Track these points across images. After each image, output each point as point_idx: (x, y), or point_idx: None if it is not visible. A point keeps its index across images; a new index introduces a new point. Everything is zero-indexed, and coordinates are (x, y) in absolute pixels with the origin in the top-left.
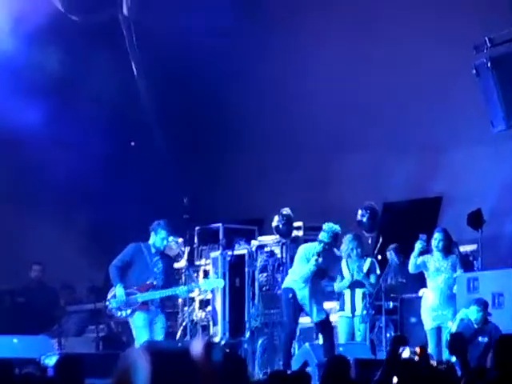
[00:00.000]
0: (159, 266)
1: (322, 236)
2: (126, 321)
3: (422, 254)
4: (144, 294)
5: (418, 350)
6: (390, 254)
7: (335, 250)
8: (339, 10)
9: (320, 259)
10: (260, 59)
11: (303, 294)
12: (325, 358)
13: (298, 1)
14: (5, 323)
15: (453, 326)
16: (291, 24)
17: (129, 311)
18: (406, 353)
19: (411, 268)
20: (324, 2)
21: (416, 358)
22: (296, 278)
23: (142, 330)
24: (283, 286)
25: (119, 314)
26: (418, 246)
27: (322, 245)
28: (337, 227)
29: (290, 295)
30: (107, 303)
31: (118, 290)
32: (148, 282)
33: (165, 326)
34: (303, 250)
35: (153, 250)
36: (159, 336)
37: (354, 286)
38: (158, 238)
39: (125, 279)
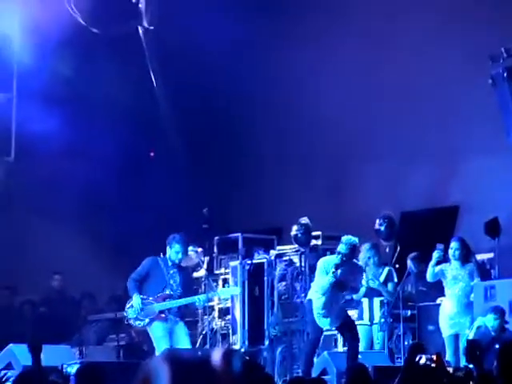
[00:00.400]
0: (176, 279)
1: (341, 248)
2: (146, 330)
3: (439, 263)
4: (161, 304)
5: (434, 357)
6: (410, 263)
7: (355, 261)
8: (354, 19)
9: (338, 271)
10: (277, 69)
11: (318, 304)
12: (347, 364)
13: (313, 11)
14: (27, 333)
15: (470, 334)
16: (306, 34)
17: (147, 320)
18: (422, 360)
19: (429, 277)
20: (339, 11)
21: (432, 365)
22: (315, 289)
23: (162, 339)
24: (307, 298)
25: (137, 323)
26: (436, 255)
27: (339, 256)
28: (355, 239)
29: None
30: (125, 313)
31: (134, 300)
32: (165, 293)
33: (188, 334)
34: (322, 262)
35: (169, 263)
36: (185, 344)
37: (371, 294)
38: (172, 251)
39: (142, 292)
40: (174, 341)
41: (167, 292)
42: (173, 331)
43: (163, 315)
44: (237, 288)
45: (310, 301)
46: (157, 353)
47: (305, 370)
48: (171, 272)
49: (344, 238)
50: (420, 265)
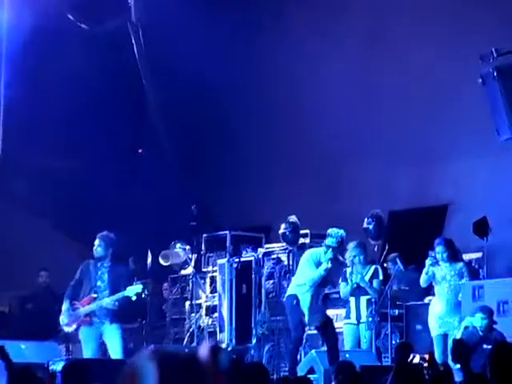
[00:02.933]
0: (104, 278)
1: (330, 241)
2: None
3: None
4: (85, 308)
5: (426, 356)
6: (392, 264)
7: (339, 256)
8: (352, 20)
9: (330, 265)
10: (271, 66)
11: (305, 299)
12: (329, 365)
13: (311, 10)
14: (13, 329)
15: (457, 334)
16: (304, 31)
17: (74, 326)
18: (415, 359)
19: (423, 283)
20: (336, 11)
21: (425, 364)
22: (301, 281)
23: (87, 343)
24: (287, 294)
25: (67, 329)
26: (428, 262)
27: (330, 250)
28: (342, 232)
29: (295, 302)
30: (60, 320)
31: (64, 306)
32: (89, 296)
33: (120, 335)
34: (310, 254)
35: (98, 264)
36: (114, 346)
37: (358, 293)
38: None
39: (76, 297)
40: (106, 342)
41: (92, 294)
42: (102, 334)
43: (88, 318)
44: (139, 286)
45: (292, 296)
46: (84, 355)
47: (290, 368)
48: (100, 273)
49: (332, 231)
50: (401, 264)
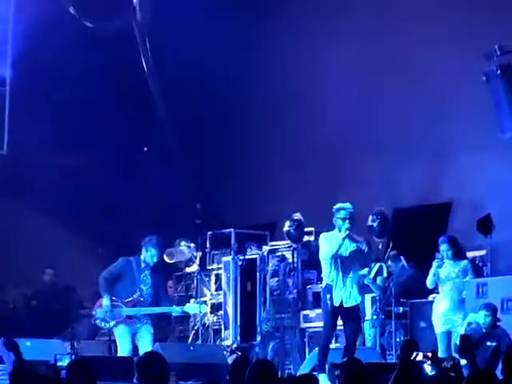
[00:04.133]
0: (147, 282)
1: (343, 214)
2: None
3: None
4: (130, 309)
5: (429, 354)
6: (393, 262)
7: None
8: (352, 15)
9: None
10: (271, 60)
11: (332, 277)
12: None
13: (310, 6)
14: (19, 327)
15: (461, 330)
16: (303, 26)
17: (112, 323)
18: (419, 357)
19: (429, 284)
20: (337, 8)
21: (428, 362)
22: (325, 268)
23: (123, 337)
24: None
25: (103, 324)
26: (435, 264)
27: (347, 221)
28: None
29: (328, 296)
30: (93, 313)
31: (104, 301)
32: (135, 297)
33: (152, 334)
34: (324, 236)
35: (142, 265)
36: (146, 344)
37: (363, 291)
38: (148, 254)
39: (113, 292)
40: (137, 339)
41: (136, 296)
42: (137, 331)
43: (130, 320)
44: (204, 306)
45: (324, 290)
46: (119, 351)
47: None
48: (143, 275)
49: (341, 205)
50: (397, 263)
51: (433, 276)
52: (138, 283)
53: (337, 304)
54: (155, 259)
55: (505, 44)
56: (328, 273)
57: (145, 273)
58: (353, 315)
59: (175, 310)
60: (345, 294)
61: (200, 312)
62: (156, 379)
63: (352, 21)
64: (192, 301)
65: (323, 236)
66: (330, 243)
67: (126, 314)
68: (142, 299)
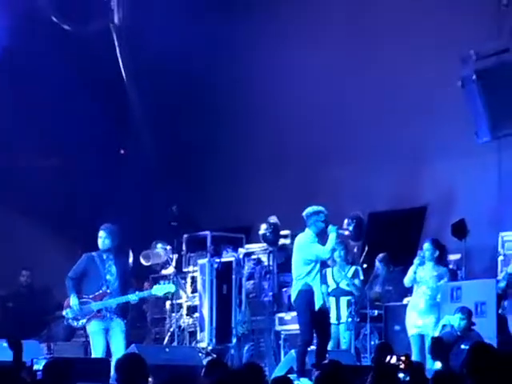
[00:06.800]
0: (113, 272)
1: (322, 217)
2: None
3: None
4: (98, 303)
5: (403, 357)
6: (378, 264)
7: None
8: (327, 20)
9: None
10: (249, 68)
11: (316, 282)
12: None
13: (289, 7)
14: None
15: (435, 332)
16: (279, 32)
17: (84, 320)
18: (393, 360)
19: (407, 282)
20: (312, 10)
21: (401, 365)
22: (303, 270)
23: (97, 335)
24: (295, 294)
25: (75, 323)
26: (416, 262)
27: (328, 224)
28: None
29: (307, 297)
30: (64, 313)
31: (72, 300)
32: (102, 291)
33: (123, 331)
34: (303, 237)
35: (104, 257)
36: (119, 340)
37: (338, 294)
38: (99, 241)
39: (81, 289)
40: (110, 337)
41: (104, 289)
42: (109, 328)
43: (101, 314)
44: (172, 285)
45: (302, 292)
46: (92, 349)
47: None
48: (107, 266)
49: (315, 208)
50: (388, 265)
51: (413, 273)
52: (103, 276)
53: (317, 307)
54: (107, 242)
55: (481, 49)
56: (306, 274)
57: (108, 263)
58: (327, 318)
59: (143, 295)
60: (322, 296)
61: (169, 292)
62: (136, 382)
63: (326, 27)
64: (161, 282)
65: (309, 236)
66: (319, 244)
67: (95, 308)
68: (108, 291)
